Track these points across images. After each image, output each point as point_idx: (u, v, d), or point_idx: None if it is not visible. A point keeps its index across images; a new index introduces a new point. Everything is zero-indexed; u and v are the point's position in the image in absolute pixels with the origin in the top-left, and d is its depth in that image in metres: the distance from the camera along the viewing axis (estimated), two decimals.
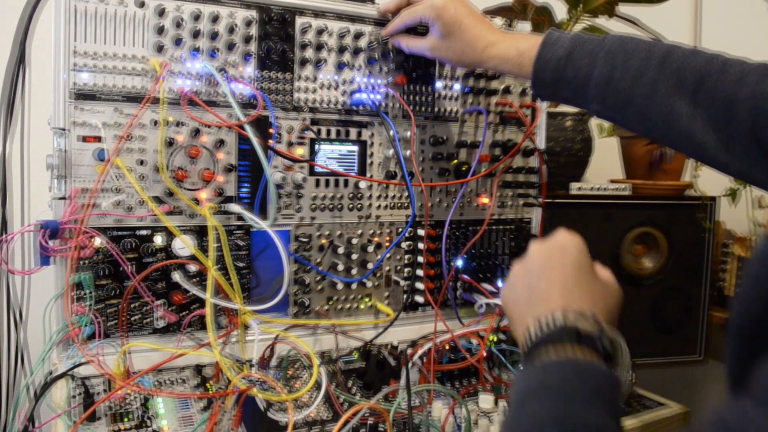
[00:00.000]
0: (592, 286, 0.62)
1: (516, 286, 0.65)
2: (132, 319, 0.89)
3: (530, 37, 0.86)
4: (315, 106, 0.98)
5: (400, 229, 1.07)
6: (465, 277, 1.10)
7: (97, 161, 0.84)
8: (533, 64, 0.83)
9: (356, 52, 1.00)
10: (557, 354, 0.52)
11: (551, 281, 0.61)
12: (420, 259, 1.07)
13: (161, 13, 0.85)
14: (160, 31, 0.86)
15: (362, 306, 1.05)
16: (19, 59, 0.89)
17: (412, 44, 0.99)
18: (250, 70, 0.93)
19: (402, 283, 1.08)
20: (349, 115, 1.01)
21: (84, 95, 0.83)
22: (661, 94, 0.74)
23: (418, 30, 0.99)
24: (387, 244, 1.06)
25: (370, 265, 1.04)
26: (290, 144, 0.97)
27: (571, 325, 0.54)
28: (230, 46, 0.90)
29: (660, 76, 0.74)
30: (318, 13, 0.96)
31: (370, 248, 1.03)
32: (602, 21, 1.56)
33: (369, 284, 1.05)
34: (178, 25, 0.86)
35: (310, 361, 0.91)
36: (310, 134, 0.98)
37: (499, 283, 1.14)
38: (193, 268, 0.89)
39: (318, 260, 1.00)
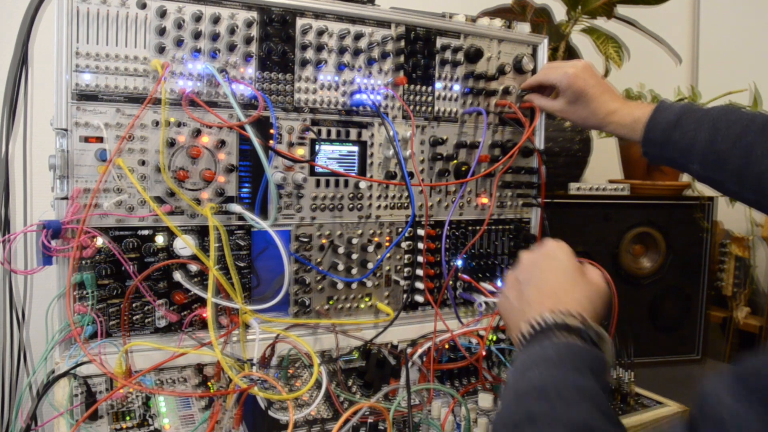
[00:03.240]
0: (578, 289, 0.66)
1: (509, 294, 0.71)
2: (133, 318, 0.89)
3: (645, 106, 0.98)
4: (315, 106, 0.99)
5: (400, 229, 1.08)
6: (464, 276, 1.11)
7: (99, 161, 0.84)
8: (645, 126, 0.95)
9: (356, 53, 1.00)
10: (551, 340, 0.58)
11: (541, 287, 0.67)
12: (420, 258, 1.07)
13: (162, 14, 0.86)
14: (162, 32, 0.86)
15: (362, 305, 1.06)
16: (22, 60, 0.89)
17: (542, 104, 1.10)
18: (250, 70, 0.93)
19: (402, 282, 1.08)
20: (350, 115, 1.02)
21: (86, 96, 0.83)
22: (756, 155, 0.80)
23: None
24: (387, 243, 1.07)
25: (370, 265, 1.04)
26: (291, 144, 0.98)
27: (560, 321, 0.60)
28: (231, 47, 0.91)
29: (758, 140, 0.80)
30: (318, 15, 0.97)
31: (370, 248, 1.04)
32: (601, 22, 1.56)
33: (369, 284, 1.06)
34: (180, 26, 0.87)
35: (311, 360, 0.92)
36: (310, 135, 0.99)
37: (499, 283, 1.14)
38: (194, 267, 0.90)
39: (318, 260, 1.01)
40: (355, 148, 1.03)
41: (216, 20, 0.89)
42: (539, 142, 1.17)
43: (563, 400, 0.50)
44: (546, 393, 0.52)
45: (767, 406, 0.34)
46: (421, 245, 1.06)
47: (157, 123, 0.87)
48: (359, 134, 1.03)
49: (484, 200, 1.13)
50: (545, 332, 0.60)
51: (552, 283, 0.67)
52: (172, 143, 0.88)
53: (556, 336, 0.58)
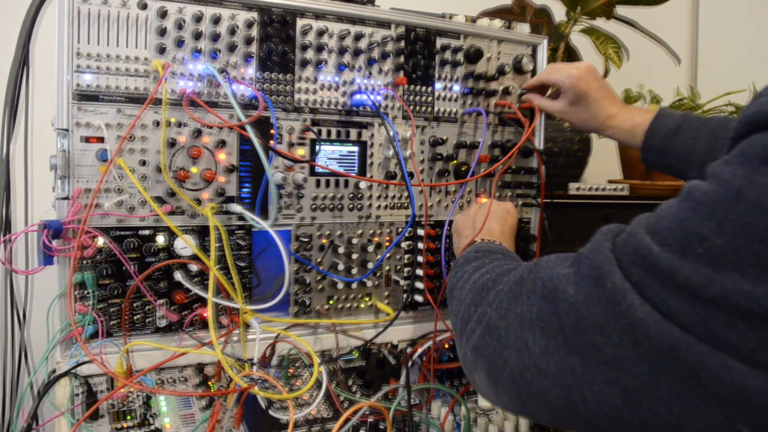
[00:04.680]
0: (513, 239, 0.96)
1: (474, 217, 0.98)
2: (134, 318, 0.89)
3: (645, 112, 1.00)
4: (315, 107, 0.99)
5: (400, 229, 1.08)
6: None
7: (100, 162, 0.85)
8: (645, 133, 0.97)
9: (356, 53, 1.00)
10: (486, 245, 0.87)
11: (500, 225, 0.95)
12: (420, 258, 1.07)
13: (163, 15, 0.86)
14: (162, 32, 0.86)
15: (362, 305, 1.06)
16: (23, 61, 0.89)
17: (543, 104, 1.10)
18: (251, 71, 0.94)
19: (402, 282, 1.09)
20: (350, 115, 1.02)
21: (87, 96, 0.84)
22: None
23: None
24: (387, 243, 1.07)
25: (370, 265, 1.04)
26: (291, 144, 0.98)
27: (498, 245, 0.87)
28: (231, 48, 0.91)
29: None
30: (319, 15, 0.97)
31: (370, 248, 1.04)
32: (600, 23, 1.57)
33: (369, 284, 1.06)
34: (180, 26, 0.87)
35: (311, 359, 0.92)
36: (310, 135, 0.99)
37: None
38: (194, 267, 0.90)
39: (318, 260, 1.01)
40: (355, 149, 1.03)
41: (216, 21, 0.89)
42: (539, 143, 1.17)
43: (495, 259, 0.75)
44: (482, 253, 0.78)
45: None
46: (421, 245, 1.07)
47: (158, 123, 0.87)
48: (359, 134, 1.03)
49: (484, 200, 1.14)
50: (489, 244, 0.86)
51: (504, 225, 0.95)
52: (172, 143, 0.88)
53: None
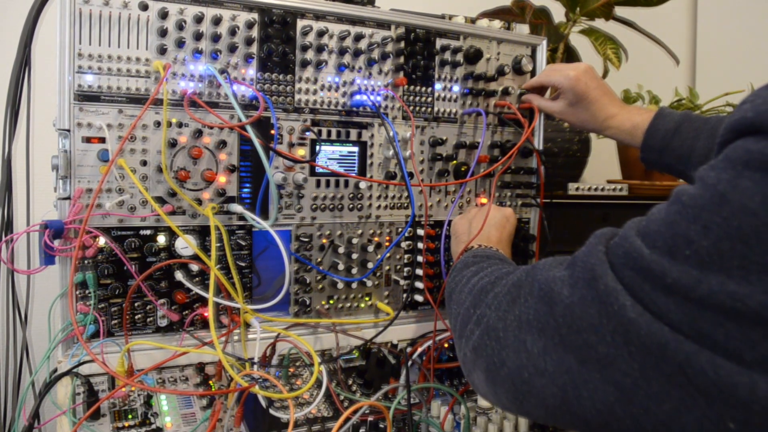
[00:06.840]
0: (510, 246, 0.99)
1: (472, 221, 1.00)
2: (135, 317, 0.90)
3: (644, 112, 1.00)
4: (316, 107, 0.99)
5: (400, 229, 1.08)
6: None
7: (101, 162, 0.85)
8: (645, 132, 0.98)
9: (356, 54, 1.01)
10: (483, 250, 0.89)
11: (498, 232, 0.97)
12: (419, 258, 1.08)
13: (164, 15, 0.86)
14: (163, 33, 0.87)
15: (362, 305, 1.06)
16: (24, 61, 0.89)
17: (542, 105, 1.11)
18: (251, 71, 0.94)
19: (402, 282, 1.09)
20: (350, 116, 1.02)
21: (88, 97, 0.84)
22: None
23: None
24: (387, 243, 1.07)
25: (370, 265, 1.05)
26: (291, 145, 0.98)
27: (495, 251, 0.89)
28: (232, 48, 0.91)
29: None
30: (319, 16, 0.98)
31: (370, 248, 1.04)
32: (599, 23, 1.57)
33: (369, 283, 1.06)
34: (181, 27, 0.87)
35: (311, 359, 0.92)
36: (310, 135, 0.99)
37: None
38: (195, 267, 0.90)
39: (319, 260, 1.02)
40: (355, 149, 1.03)
41: (217, 21, 0.90)
42: (538, 143, 1.17)
43: (492, 262, 0.78)
44: (480, 258, 0.80)
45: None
46: (420, 245, 1.07)
47: (159, 124, 0.88)
48: (359, 135, 1.03)
49: (484, 200, 1.14)
50: (485, 250, 0.88)
51: (501, 232, 0.98)
52: (173, 144, 0.88)
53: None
